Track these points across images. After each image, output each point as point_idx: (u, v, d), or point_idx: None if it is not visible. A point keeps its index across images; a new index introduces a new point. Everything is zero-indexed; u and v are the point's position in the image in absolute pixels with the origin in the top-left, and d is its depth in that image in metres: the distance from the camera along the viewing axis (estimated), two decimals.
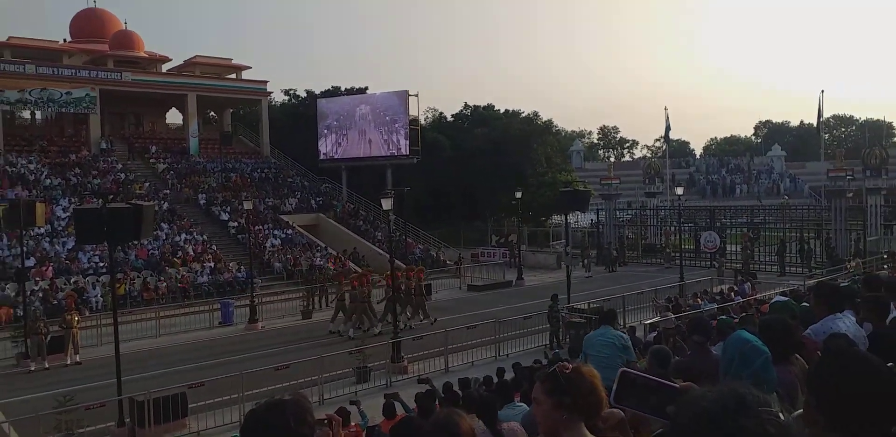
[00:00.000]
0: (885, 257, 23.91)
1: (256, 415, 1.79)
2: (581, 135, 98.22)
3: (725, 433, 1.10)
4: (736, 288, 20.32)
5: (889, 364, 4.56)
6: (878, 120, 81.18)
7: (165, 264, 26.77)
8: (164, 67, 43.70)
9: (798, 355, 4.59)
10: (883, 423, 1.65)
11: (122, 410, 12.14)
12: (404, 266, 24.86)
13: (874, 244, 29.36)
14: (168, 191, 34.53)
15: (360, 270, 25.63)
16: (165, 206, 32.07)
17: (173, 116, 46.36)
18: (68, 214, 27.60)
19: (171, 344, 20.05)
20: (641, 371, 2.03)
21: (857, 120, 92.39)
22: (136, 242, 25.02)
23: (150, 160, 38.11)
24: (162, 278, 25.49)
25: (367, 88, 47.65)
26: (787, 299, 7.75)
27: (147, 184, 34.46)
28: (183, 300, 24.38)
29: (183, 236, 29.82)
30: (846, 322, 4.85)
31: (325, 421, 2.11)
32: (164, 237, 29.09)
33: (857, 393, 1.67)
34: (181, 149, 40.34)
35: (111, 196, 29.73)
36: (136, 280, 24.92)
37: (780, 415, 1.16)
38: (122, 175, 34.68)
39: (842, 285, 10.46)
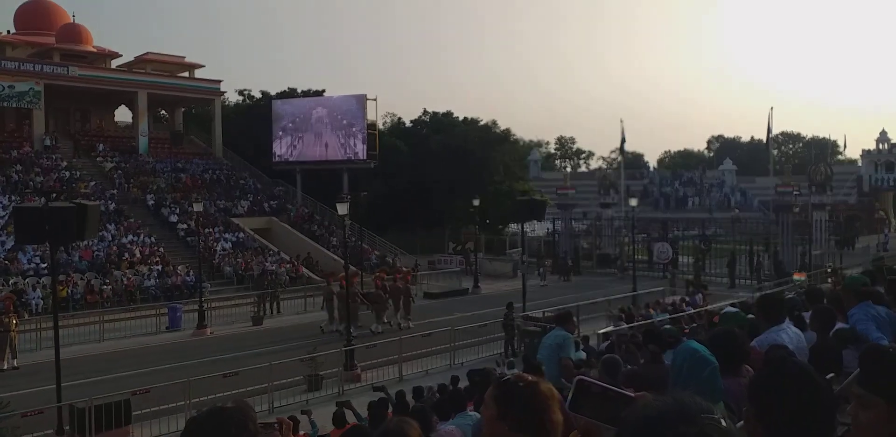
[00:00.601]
0: (829, 270, 24.72)
1: (196, 423, 1.78)
2: (539, 145, 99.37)
3: (669, 434, 1.13)
4: (687, 299, 20.73)
5: (830, 376, 4.66)
6: (823, 138, 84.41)
7: (111, 266, 25.93)
8: (114, 63, 42.48)
9: (749, 367, 4.65)
10: (820, 433, 1.69)
11: (61, 417, 11.64)
12: (392, 268, 25.43)
13: (819, 258, 30.36)
14: (115, 191, 33.51)
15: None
16: (112, 206, 31.10)
17: (122, 114, 45.11)
18: (8, 212, 26.52)
19: (116, 349, 19.40)
20: (597, 379, 2.00)
21: (803, 137, 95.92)
22: (79, 243, 24.20)
23: (97, 159, 36.92)
24: (107, 281, 24.68)
25: (324, 91, 47.28)
26: (737, 309, 7.91)
27: (93, 183, 33.39)
28: (128, 304, 23.65)
29: (130, 237, 28.95)
30: (789, 334, 4.96)
31: (276, 425, 2.06)
32: (110, 239, 28.20)
33: (796, 404, 1.70)
34: (130, 148, 39.22)
35: (54, 195, 29.03)
36: (79, 282, 24.06)
37: (722, 421, 1.18)
38: (67, 173, 33.52)
39: (787, 297, 10.76)
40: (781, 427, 1.70)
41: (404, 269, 27.62)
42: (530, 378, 2.41)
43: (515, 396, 2.25)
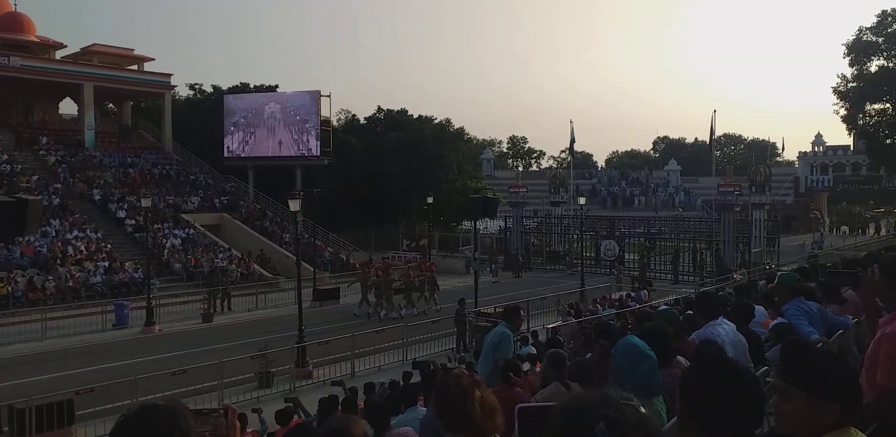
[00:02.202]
0: (767, 268, 25.67)
1: (126, 421, 1.76)
2: (491, 144, 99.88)
3: (589, 421, 1.29)
4: (633, 295, 21.30)
5: (763, 369, 4.97)
6: (763, 140, 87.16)
7: (55, 262, 25.18)
8: (59, 54, 41.14)
9: (682, 359, 4.94)
10: (748, 425, 1.78)
11: None
12: (418, 261, 27.64)
13: (758, 256, 31.50)
14: (59, 185, 32.51)
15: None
16: (56, 201, 30.19)
17: (68, 107, 43.72)
18: None
19: (59, 348, 18.90)
20: (536, 401, 2.17)
21: (745, 139, 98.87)
22: (20, 238, 23.42)
23: (40, 152, 35.73)
24: (50, 278, 23.96)
25: (277, 87, 46.70)
26: (669, 307, 8.26)
27: (35, 177, 32.31)
28: (73, 302, 23.02)
29: (75, 233, 28.15)
30: (725, 328, 5.24)
31: (221, 411, 2.12)
32: (54, 234, 27.37)
33: (726, 398, 1.76)
34: (75, 141, 38.05)
35: None
36: (20, 280, 23.31)
37: (641, 408, 1.34)
38: (7, 167, 32.34)
39: (727, 292, 11.24)
40: (713, 420, 1.76)
41: (351, 266, 28.37)
42: (465, 373, 2.59)
43: (439, 387, 2.44)
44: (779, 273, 7.51)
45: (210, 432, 1.98)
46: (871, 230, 53.77)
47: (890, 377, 2.58)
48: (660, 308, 8.60)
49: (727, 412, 1.76)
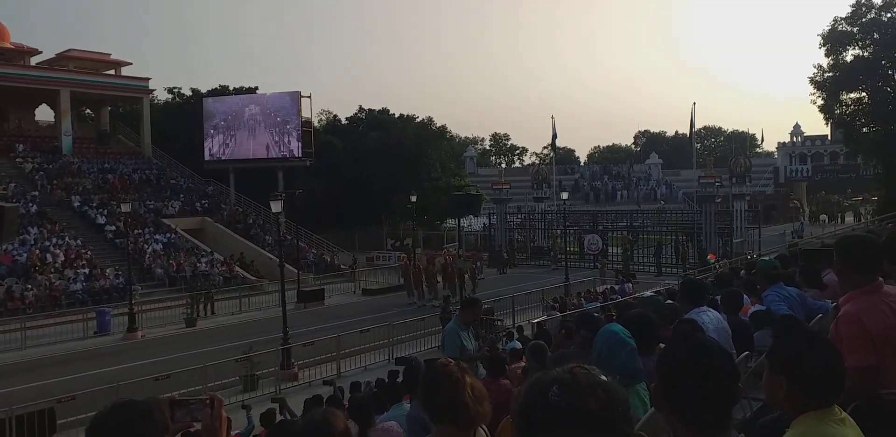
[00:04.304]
0: (748, 258, 25.88)
1: (101, 416, 1.79)
2: (474, 141, 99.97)
3: (544, 387, 1.33)
4: (616, 288, 21.40)
5: (745, 354, 4.96)
6: (742, 132, 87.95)
7: (34, 270, 24.83)
8: (34, 60, 40.60)
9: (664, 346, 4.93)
10: (720, 406, 1.76)
11: None
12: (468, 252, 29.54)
13: (739, 246, 31.77)
14: (37, 192, 32.05)
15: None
16: (34, 208, 29.77)
17: (44, 113, 43.16)
18: None
19: (40, 356, 18.62)
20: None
21: (724, 131, 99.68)
22: None
23: (17, 160, 35.25)
24: (30, 286, 23.62)
25: (256, 88, 46.42)
26: (652, 294, 8.29)
27: (12, 185, 31.83)
28: (53, 309, 22.71)
29: (54, 240, 27.78)
30: (710, 315, 5.26)
31: (207, 400, 2.09)
32: (33, 242, 26.99)
33: (695, 377, 1.73)
34: (53, 148, 37.57)
35: None
36: None
37: (603, 376, 1.37)
38: None
39: (709, 282, 11.27)
40: (684, 399, 1.73)
41: (336, 267, 28.44)
42: (451, 363, 2.56)
43: (425, 378, 2.41)
44: (759, 260, 7.54)
45: (194, 421, 1.97)
46: (852, 218, 54.41)
47: (854, 357, 2.59)
48: (644, 295, 8.63)
49: (697, 392, 1.72)
